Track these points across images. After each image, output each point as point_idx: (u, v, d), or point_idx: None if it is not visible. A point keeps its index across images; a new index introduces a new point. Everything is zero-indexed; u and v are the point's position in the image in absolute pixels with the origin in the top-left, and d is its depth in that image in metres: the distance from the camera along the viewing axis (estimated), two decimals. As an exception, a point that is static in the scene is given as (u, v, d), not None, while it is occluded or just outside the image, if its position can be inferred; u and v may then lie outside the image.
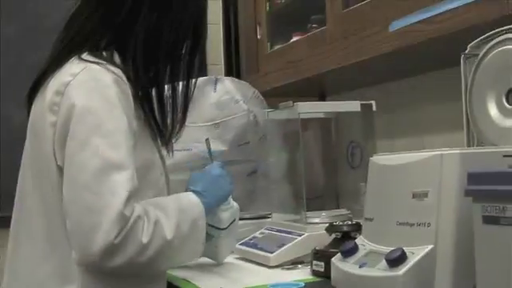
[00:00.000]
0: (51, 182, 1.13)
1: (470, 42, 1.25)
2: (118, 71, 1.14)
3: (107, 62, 1.15)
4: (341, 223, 1.27)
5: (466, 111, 1.25)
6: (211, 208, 1.25)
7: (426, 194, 0.97)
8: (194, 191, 1.24)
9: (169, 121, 1.25)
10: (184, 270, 1.38)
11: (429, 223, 0.96)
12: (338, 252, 1.11)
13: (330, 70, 1.77)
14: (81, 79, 1.12)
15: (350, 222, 1.26)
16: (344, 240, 1.18)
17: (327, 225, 1.31)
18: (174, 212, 1.15)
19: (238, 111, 1.80)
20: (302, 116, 1.47)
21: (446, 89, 1.62)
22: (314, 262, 1.26)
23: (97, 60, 1.15)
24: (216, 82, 1.83)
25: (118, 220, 1.02)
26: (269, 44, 2.25)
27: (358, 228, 1.23)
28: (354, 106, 1.50)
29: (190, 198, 1.22)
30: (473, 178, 0.85)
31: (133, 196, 1.06)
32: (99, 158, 1.05)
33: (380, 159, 1.11)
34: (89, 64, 1.14)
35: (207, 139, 1.46)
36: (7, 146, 2.46)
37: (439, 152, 0.98)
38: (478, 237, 0.85)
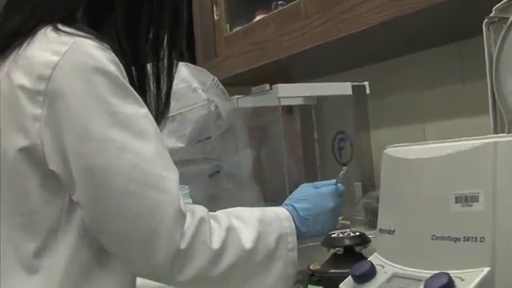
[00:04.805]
0: (29, 194, 0.91)
1: (488, 8, 1.05)
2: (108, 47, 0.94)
3: (94, 37, 0.93)
4: (342, 235, 1.03)
5: (492, 89, 1.06)
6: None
7: (475, 198, 0.76)
8: (294, 208, 1.07)
9: (153, 105, 1.09)
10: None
11: (482, 237, 0.75)
12: (344, 274, 0.91)
13: (304, 49, 1.57)
14: (72, 59, 0.90)
15: (352, 234, 1.02)
16: (348, 257, 0.99)
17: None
18: (255, 221, 0.99)
19: (196, 101, 1.64)
20: (283, 102, 1.22)
21: (451, 67, 1.48)
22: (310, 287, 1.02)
23: (82, 33, 0.92)
24: (169, 68, 1.65)
25: (177, 220, 0.88)
26: (228, 25, 2.08)
27: (364, 241, 1.02)
28: (344, 88, 1.25)
29: (279, 212, 1.05)
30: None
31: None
32: (128, 154, 0.89)
33: (398, 152, 0.90)
34: (77, 38, 0.91)
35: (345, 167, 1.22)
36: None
37: (493, 139, 0.75)
38: None
